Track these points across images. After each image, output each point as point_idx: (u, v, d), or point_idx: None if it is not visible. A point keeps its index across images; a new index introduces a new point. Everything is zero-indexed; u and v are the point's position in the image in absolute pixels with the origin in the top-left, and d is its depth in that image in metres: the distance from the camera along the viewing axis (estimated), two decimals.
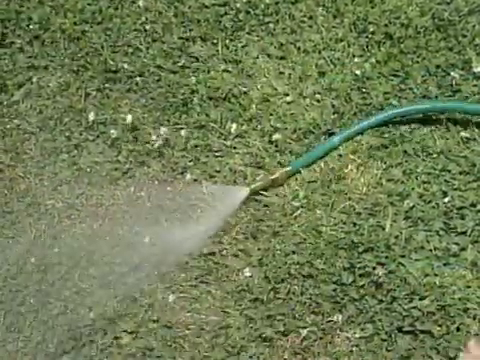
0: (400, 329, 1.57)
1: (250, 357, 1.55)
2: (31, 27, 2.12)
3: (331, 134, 1.88)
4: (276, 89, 1.99)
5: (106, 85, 2.01)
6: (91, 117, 1.92)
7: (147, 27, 2.13)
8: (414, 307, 1.59)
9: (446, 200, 1.74)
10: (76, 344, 1.54)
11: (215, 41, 2.09)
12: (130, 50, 2.08)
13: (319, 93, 1.97)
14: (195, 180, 1.82)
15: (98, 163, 1.85)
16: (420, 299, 1.60)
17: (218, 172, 1.84)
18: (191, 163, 1.86)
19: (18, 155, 1.87)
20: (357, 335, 1.58)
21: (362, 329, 1.58)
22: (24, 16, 2.15)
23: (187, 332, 1.57)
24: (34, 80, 2.01)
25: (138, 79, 2.02)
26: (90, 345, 1.55)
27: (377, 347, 1.56)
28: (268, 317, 1.60)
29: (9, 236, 1.71)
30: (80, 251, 1.68)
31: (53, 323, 1.57)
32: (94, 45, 2.10)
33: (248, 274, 1.66)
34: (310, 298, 1.62)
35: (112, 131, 1.90)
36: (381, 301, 1.61)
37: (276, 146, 1.88)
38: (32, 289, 1.61)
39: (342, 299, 1.62)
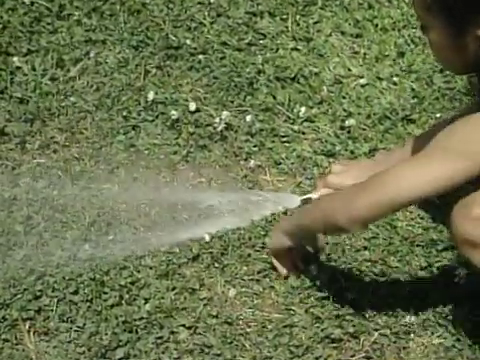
0: None
1: (316, 359, 1.48)
2: None
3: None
4: (350, 70, 1.94)
5: (167, 62, 1.96)
6: (150, 96, 1.87)
7: (212, 0, 2.08)
8: None
9: None
10: (131, 337, 1.49)
11: (284, 16, 2.05)
12: (193, 25, 2.04)
13: (397, 75, 1.92)
14: (259, 166, 1.76)
15: (157, 145, 1.80)
16: None
17: (284, 159, 1.78)
18: (256, 148, 1.81)
19: (73, 135, 1.83)
20: (434, 341, 1.50)
21: (440, 335, 1.50)
22: None
23: (248, 330, 1.52)
24: (91, 55, 1.96)
25: (201, 57, 1.97)
26: (146, 339, 1.49)
27: (458, 356, 1.48)
28: (336, 317, 1.53)
29: (63, 221, 1.66)
30: (136, 239, 1.63)
31: (107, 314, 1.52)
32: (155, 19, 2.05)
33: (315, 270, 1.59)
34: (382, 298, 1.55)
35: (172, 112, 1.85)
36: (462, 305, 1.53)
37: (348, 132, 1.82)
38: (86, 277, 1.56)
39: (418, 301, 1.55)
